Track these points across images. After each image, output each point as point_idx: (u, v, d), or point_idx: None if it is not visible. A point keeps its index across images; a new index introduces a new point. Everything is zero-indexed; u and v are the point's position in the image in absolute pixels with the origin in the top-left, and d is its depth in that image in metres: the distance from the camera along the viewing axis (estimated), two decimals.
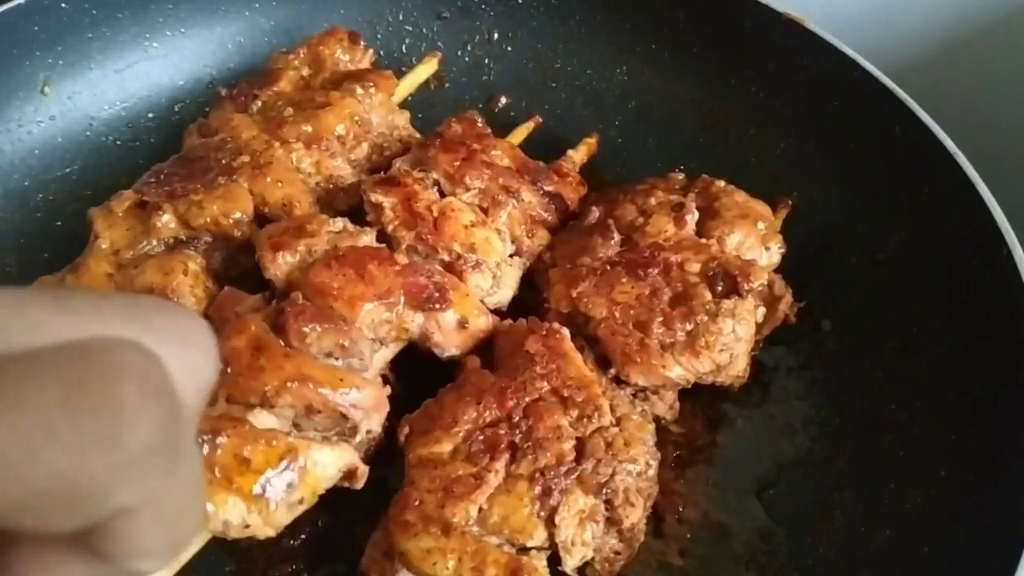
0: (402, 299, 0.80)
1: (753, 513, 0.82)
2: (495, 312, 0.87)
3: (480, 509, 0.70)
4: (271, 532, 0.71)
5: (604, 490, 0.72)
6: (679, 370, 0.81)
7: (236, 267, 0.91)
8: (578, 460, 0.73)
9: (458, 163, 0.91)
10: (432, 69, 1.17)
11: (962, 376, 0.81)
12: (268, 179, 0.91)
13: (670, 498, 0.82)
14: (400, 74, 1.12)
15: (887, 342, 0.88)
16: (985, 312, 0.82)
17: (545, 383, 0.77)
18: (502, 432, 0.74)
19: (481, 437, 0.74)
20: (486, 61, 1.22)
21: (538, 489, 0.71)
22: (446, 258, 0.86)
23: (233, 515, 0.68)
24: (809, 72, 1.04)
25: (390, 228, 0.86)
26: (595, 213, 0.94)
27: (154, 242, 0.89)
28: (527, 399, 0.76)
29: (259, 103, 1.01)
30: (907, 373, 0.85)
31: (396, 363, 0.84)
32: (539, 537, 0.70)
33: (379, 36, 1.22)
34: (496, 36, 1.22)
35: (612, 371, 0.82)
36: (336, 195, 0.96)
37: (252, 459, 0.69)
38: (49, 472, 0.28)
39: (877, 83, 0.97)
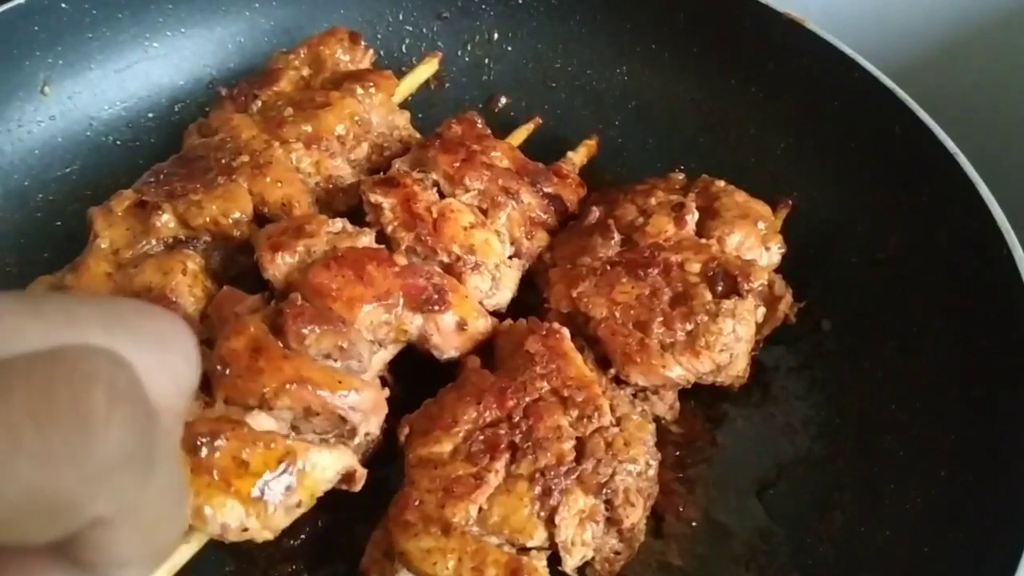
0: (401, 301, 0.80)
1: (753, 513, 0.82)
2: (494, 314, 0.87)
3: (480, 509, 0.70)
4: (269, 535, 0.70)
5: (604, 490, 0.72)
6: (679, 370, 0.81)
7: (235, 267, 0.91)
8: (578, 460, 0.73)
9: (458, 164, 0.91)
10: (432, 69, 1.17)
11: (962, 376, 0.81)
12: (268, 179, 0.91)
13: (670, 498, 0.82)
14: (400, 74, 1.12)
15: (887, 342, 0.88)
16: (985, 312, 0.82)
17: (545, 383, 0.77)
18: (502, 432, 0.74)
19: (481, 437, 0.74)
20: (486, 61, 1.22)
21: (538, 489, 0.71)
22: (445, 259, 0.86)
23: (231, 518, 0.68)
24: (809, 72, 1.04)
25: (389, 229, 0.86)
26: (595, 213, 0.94)
27: (153, 242, 0.89)
28: (527, 399, 0.76)
29: (259, 103, 1.01)
30: (907, 373, 0.85)
31: (395, 363, 0.84)
32: (539, 537, 0.70)
33: (379, 36, 1.22)
34: (496, 36, 1.22)
35: (612, 371, 0.82)
36: (336, 195, 0.96)
37: (250, 462, 0.69)
38: (19, 486, 0.28)
39: (877, 83, 0.97)
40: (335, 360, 0.76)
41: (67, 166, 1.11)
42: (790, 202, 0.98)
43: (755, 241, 0.89)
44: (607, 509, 0.73)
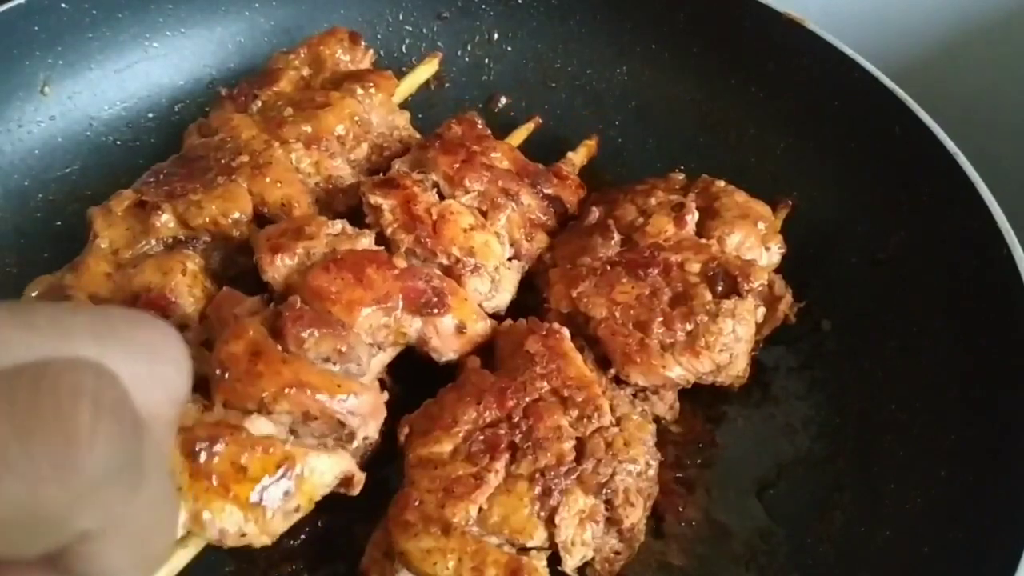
0: (400, 304, 0.80)
1: (753, 513, 0.82)
2: (493, 316, 0.87)
3: (480, 509, 0.70)
4: (267, 540, 0.70)
5: (604, 490, 0.72)
6: (679, 370, 0.81)
7: (234, 267, 0.91)
8: (578, 460, 0.73)
9: (457, 165, 0.91)
10: (433, 70, 1.17)
11: (962, 376, 0.81)
12: (267, 179, 0.91)
13: (670, 498, 0.82)
14: (400, 74, 1.12)
15: (887, 342, 0.88)
16: (985, 312, 0.82)
17: (545, 383, 0.77)
18: (502, 432, 0.74)
19: (481, 437, 0.74)
20: (486, 61, 1.22)
21: (538, 489, 0.71)
22: (445, 261, 0.85)
23: (229, 524, 0.68)
24: (809, 72, 1.04)
25: (389, 231, 0.86)
26: (595, 213, 0.94)
27: (153, 242, 0.89)
28: (527, 399, 0.76)
29: (259, 103, 1.01)
30: (907, 373, 0.85)
31: (395, 363, 0.84)
32: (539, 537, 0.70)
33: (379, 36, 1.22)
34: (496, 36, 1.22)
35: (612, 371, 0.82)
36: (335, 196, 0.96)
37: (249, 467, 0.69)
38: (4, 501, 0.28)
39: (877, 83, 0.97)
40: (334, 363, 0.76)
41: (67, 166, 1.11)
42: (790, 202, 0.98)
43: (755, 241, 0.89)
44: (607, 509, 0.73)
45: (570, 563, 0.71)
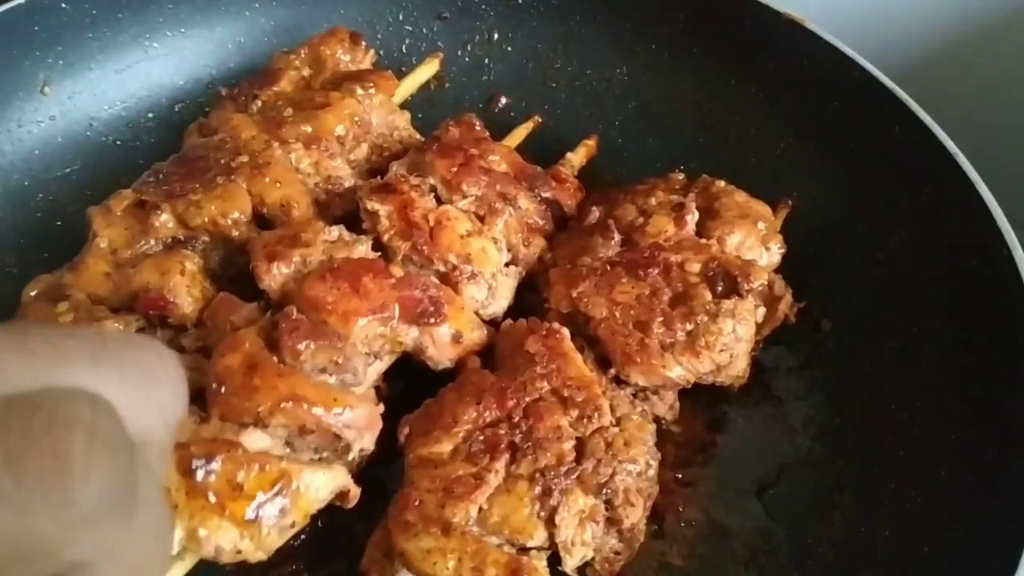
0: (397, 313, 0.80)
1: (753, 513, 0.82)
2: (490, 322, 0.87)
3: (480, 509, 0.70)
4: (263, 556, 0.70)
5: (604, 490, 0.72)
6: (679, 370, 0.81)
7: (234, 267, 0.91)
8: (578, 460, 0.73)
9: (455, 169, 0.91)
10: (433, 70, 1.17)
11: (962, 376, 0.81)
12: (267, 179, 0.91)
13: (670, 498, 0.82)
14: (400, 74, 1.12)
15: (887, 342, 0.88)
16: (985, 312, 0.82)
17: (545, 383, 0.77)
18: (502, 432, 0.74)
19: (481, 437, 0.74)
20: (486, 61, 1.22)
21: (538, 489, 0.71)
22: (442, 268, 0.85)
23: (225, 541, 0.68)
24: (809, 72, 1.04)
25: (386, 238, 0.86)
26: (595, 213, 0.94)
27: (152, 241, 0.89)
28: (527, 399, 0.76)
29: (259, 103, 1.01)
30: (907, 373, 0.85)
31: (395, 363, 0.84)
32: (539, 537, 0.70)
33: (379, 36, 1.22)
34: (496, 36, 1.22)
35: (612, 371, 0.82)
36: (333, 201, 0.96)
37: (245, 485, 0.69)
38: None
39: (877, 83, 0.97)
40: (330, 375, 0.76)
41: (67, 166, 1.11)
42: (790, 202, 0.98)
43: (755, 241, 0.89)
44: (607, 509, 0.73)
45: (570, 563, 0.71)
